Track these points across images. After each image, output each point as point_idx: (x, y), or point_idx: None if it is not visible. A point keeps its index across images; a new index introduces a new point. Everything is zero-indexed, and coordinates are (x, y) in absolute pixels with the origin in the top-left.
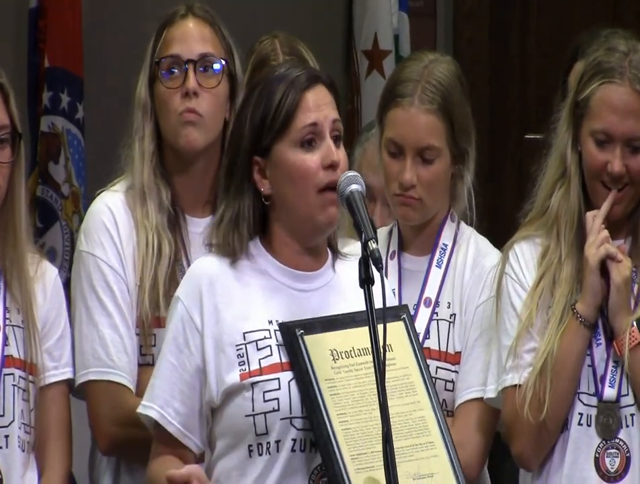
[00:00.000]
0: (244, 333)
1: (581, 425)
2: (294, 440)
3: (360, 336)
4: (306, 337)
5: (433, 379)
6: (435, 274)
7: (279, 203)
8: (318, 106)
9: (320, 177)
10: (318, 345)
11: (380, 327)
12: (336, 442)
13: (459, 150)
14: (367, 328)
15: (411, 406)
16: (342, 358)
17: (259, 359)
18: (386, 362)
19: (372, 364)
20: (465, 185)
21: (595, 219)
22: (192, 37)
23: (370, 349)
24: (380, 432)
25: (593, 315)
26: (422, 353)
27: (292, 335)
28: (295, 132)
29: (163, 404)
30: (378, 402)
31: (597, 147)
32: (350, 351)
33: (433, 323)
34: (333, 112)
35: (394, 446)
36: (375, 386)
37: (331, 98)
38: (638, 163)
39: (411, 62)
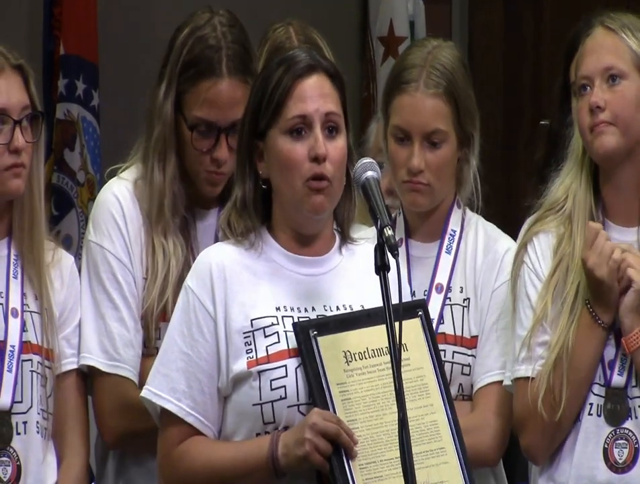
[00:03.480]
0: (252, 320)
1: (591, 415)
2: None
3: (374, 335)
4: (319, 339)
5: (451, 364)
6: (446, 260)
7: (274, 187)
8: (311, 97)
9: (305, 168)
10: (331, 347)
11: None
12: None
13: (465, 133)
14: (381, 327)
15: (424, 409)
16: (355, 360)
17: (267, 346)
18: (401, 362)
19: (386, 365)
20: (471, 169)
21: (599, 237)
22: (226, 103)
23: (384, 350)
24: (390, 439)
25: (611, 316)
26: (438, 352)
27: (305, 335)
28: (284, 121)
29: (180, 396)
30: (389, 406)
31: None
32: (364, 352)
33: (447, 309)
34: (329, 104)
35: None
36: (387, 389)
37: (331, 88)
38: None
39: (415, 49)
